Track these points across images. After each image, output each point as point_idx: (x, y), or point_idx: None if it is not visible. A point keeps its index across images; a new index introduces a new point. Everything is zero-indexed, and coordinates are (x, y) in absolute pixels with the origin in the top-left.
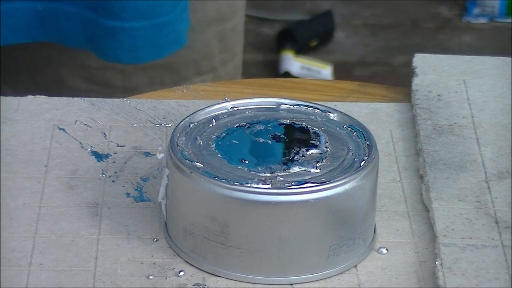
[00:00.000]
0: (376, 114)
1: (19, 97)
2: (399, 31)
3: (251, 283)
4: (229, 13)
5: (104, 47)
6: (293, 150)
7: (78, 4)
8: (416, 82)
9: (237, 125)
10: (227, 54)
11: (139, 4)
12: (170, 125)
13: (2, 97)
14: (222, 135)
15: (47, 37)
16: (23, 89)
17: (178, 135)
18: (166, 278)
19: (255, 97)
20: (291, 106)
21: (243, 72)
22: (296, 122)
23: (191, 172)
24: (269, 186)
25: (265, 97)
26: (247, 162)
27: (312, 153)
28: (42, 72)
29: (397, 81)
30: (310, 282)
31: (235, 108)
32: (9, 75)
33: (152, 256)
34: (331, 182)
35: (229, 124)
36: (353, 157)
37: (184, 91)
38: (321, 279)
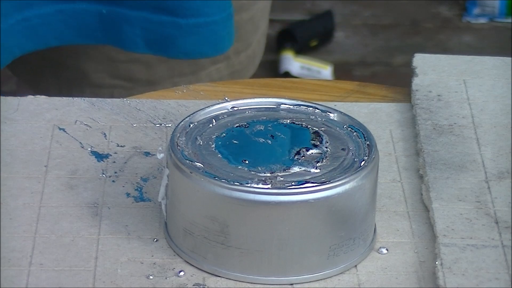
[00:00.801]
0: (376, 114)
1: (19, 97)
2: (399, 31)
3: (251, 283)
4: (246, 4)
5: (185, 46)
6: (293, 150)
7: (141, 9)
8: (416, 82)
9: (237, 125)
10: (241, 43)
11: None
12: (170, 125)
13: (2, 97)
14: (222, 135)
15: (107, 41)
16: (46, 87)
17: (178, 135)
18: (166, 278)
19: (255, 97)
20: (291, 106)
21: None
22: (296, 122)
23: (191, 172)
24: (269, 186)
25: (265, 97)
26: (247, 162)
27: (312, 153)
28: (68, 67)
29: (397, 81)
30: (310, 282)
31: (235, 108)
32: (34, 73)
33: (152, 256)
34: (331, 182)
35: (229, 124)
36: (353, 157)
37: (184, 91)
38: (321, 279)
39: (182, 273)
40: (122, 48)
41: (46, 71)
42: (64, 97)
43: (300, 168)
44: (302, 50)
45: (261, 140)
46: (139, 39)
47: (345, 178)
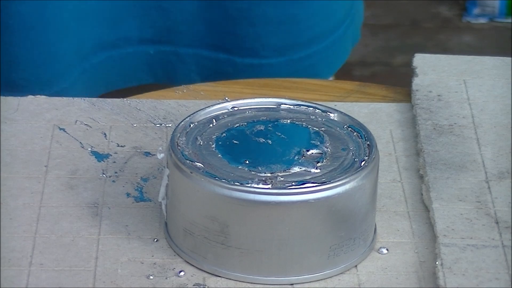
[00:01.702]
0: (376, 114)
1: (19, 97)
2: (399, 31)
3: (251, 283)
4: None
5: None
6: (293, 150)
7: (195, 46)
8: (416, 82)
9: (237, 125)
10: None
11: (278, 43)
12: (170, 125)
13: (2, 97)
14: (223, 135)
15: (154, 79)
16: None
17: (179, 135)
18: (166, 278)
19: (255, 97)
20: (291, 106)
21: None
22: (296, 122)
23: (191, 172)
24: (269, 186)
25: (265, 97)
26: (247, 162)
27: (312, 153)
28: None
29: (397, 81)
30: (310, 282)
31: (235, 108)
32: None
33: (152, 256)
34: (331, 182)
35: (229, 124)
36: (353, 157)
37: (184, 91)
38: (321, 279)
39: (182, 273)
40: (171, 84)
41: None
42: (64, 97)
43: (300, 168)
44: None
45: (261, 140)
46: (194, 74)
47: (345, 178)
